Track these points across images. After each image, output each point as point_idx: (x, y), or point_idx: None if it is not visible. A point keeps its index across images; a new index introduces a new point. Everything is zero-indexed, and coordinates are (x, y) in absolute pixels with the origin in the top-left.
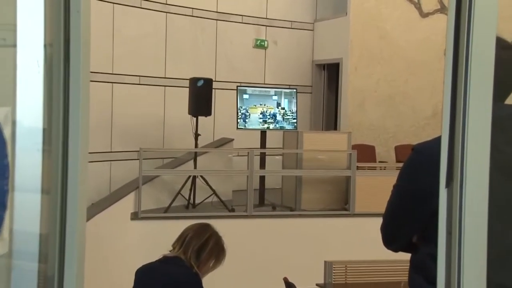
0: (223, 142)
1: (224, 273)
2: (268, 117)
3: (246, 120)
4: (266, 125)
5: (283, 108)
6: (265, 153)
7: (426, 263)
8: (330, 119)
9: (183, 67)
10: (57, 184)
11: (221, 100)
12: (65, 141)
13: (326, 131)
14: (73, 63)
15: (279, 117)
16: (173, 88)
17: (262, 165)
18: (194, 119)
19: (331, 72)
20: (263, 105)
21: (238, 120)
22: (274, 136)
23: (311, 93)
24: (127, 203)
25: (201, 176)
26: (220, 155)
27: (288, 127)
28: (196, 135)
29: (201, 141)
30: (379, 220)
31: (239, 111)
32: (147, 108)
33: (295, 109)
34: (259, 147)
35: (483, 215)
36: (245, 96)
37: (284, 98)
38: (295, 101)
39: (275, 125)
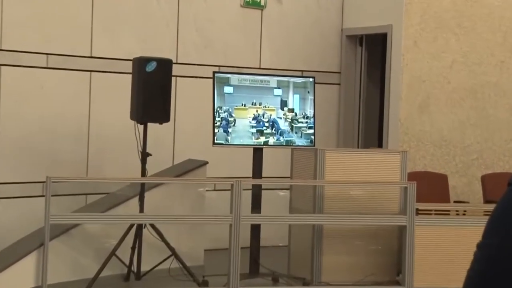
0: (190, 168)
1: None
2: (266, 124)
3: (229, 130)
4: (262, 139)
5: (292, 110)
6: (260, 186)
7: None
8: (371, 129)
9: (123, 41)
10: None
11: (187, 95)
12: None
13: (365, 150)
14: None
15: (284, 125)
16: (105, 75)
17: (256, 206)
18: (141, 127)
19: (373, 50)
20: (257, 105)
21: (216, 130)
22: (276, 157)
23: (339, 84)
24: (24, 271)
25: (152, 225)
26: (185, 189)
27: (300, 142)
28: (144, 155)
29: (153, 166)
30: None
31: (217, 114)
32: (60, 108)
33: (312, 111)
34: (251, 175)
35: None
36: (228, 90)
37: (294, 92)
38: (312, 98)
39: (277, 139)
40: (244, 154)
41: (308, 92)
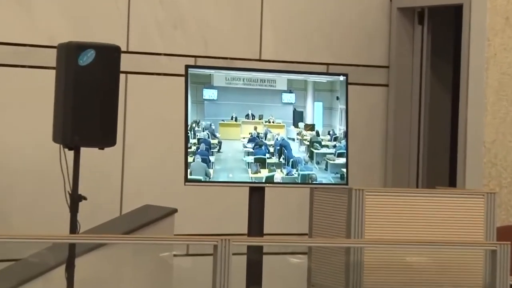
0: (149, 219)
1: None
2: (271, 150)
3: (211, 159)
4: (264, 173)
5: (312, 127)
6: (261, 248)
7: None
8: (439, 158)
9: (42, 18)
10: None
11: (143, 103)
12: None
13: (428, 190)
14: None
15: (299, 151)
16: (14, 70)
17: (254, 280)
18: (71, 154)
19: (440, 31)
20: (256, 119)
21: (190, 159)
22: (287, 202)
23: (387, 85)
24: None
25: None
26: (141, 253)
27: (324, 177)
28: (75, 199)
29: (89, 215)
30: None
31: (191, 133)
32: None
33: (344, 128)
34: (245, 231)
35: None
36: (209, 94)
37: (315, 99)
38: (344, 107)
39: (288, 173)
40: (235, 197)
41: (338, 98)
